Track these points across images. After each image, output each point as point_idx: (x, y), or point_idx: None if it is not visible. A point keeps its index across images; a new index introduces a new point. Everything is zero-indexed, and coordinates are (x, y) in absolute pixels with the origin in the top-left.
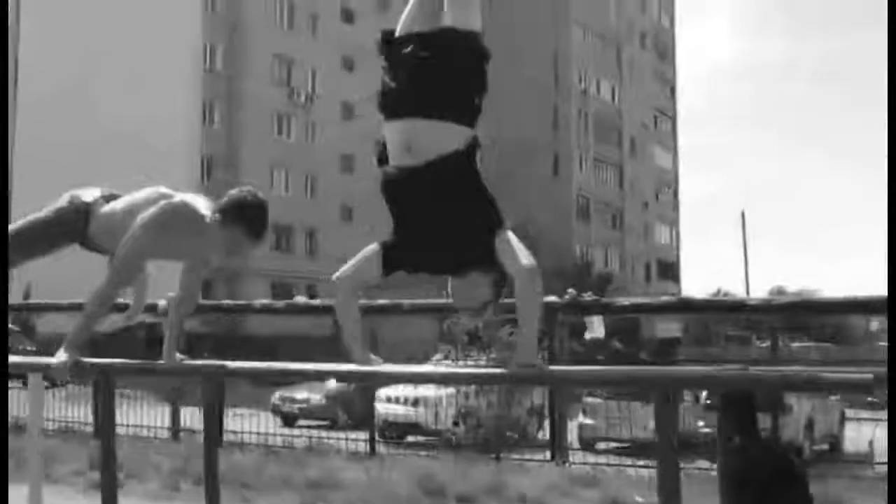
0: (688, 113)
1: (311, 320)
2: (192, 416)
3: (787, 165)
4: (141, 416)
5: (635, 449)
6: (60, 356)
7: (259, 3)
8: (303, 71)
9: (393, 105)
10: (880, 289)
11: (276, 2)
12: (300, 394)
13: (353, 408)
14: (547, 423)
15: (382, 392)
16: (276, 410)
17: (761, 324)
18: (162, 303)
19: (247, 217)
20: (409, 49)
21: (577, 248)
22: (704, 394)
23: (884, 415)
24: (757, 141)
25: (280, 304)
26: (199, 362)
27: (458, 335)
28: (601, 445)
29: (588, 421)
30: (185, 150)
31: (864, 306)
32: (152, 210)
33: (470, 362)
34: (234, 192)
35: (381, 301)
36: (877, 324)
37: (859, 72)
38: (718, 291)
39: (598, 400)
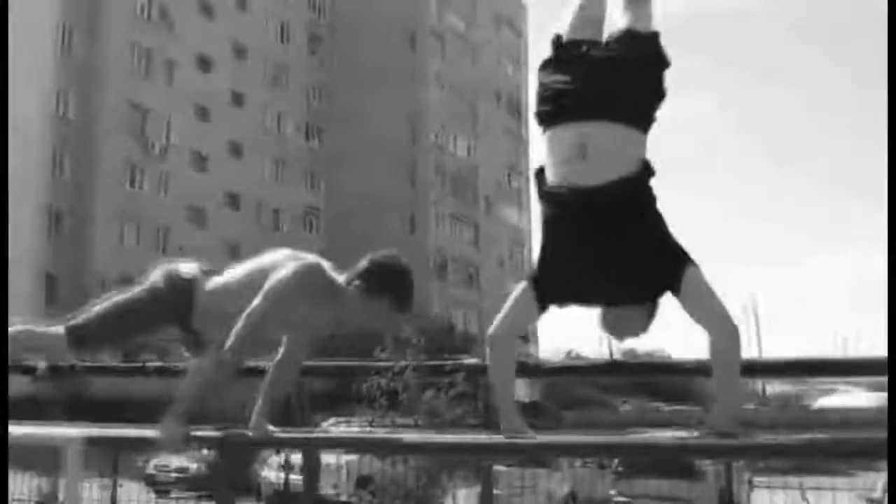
0: None
1: (162, 382)
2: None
3: None
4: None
5: None
6: (170, 427)
7: (115, 48)
8: (157, 120)
9: (565, 108)
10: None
11: (133, 47)
12: (176, 461)
13: (234, 476)
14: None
15: (273, 458)
16: (150, 480)
17: (613, 387)
18: (42, 364)
19: (395, 287)
20: (587, 51)
21: (437, 308)
22: (616, 461)
23: (793, 480)
24: None
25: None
26: (295, 433)
27: (376, 397)
28: None
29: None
30: (30, 200)
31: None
32: (289, 267)
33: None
34: (377, 257)
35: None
36: None
37: (735, 130)
38: (570, 353)
39: (502, 468)
